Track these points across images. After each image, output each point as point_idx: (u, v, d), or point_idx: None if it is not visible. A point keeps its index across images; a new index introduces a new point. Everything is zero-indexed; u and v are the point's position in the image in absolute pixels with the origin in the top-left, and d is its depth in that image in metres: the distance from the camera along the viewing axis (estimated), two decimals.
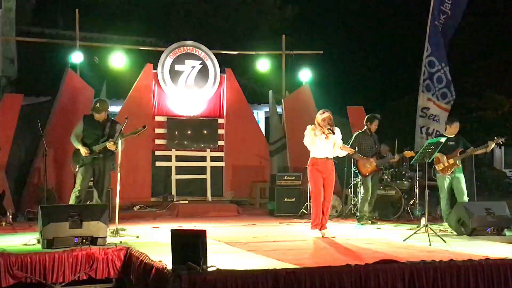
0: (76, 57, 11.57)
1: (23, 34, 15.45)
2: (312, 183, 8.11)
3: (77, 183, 8.14)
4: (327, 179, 8.09)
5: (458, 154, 9.14)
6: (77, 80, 11.43)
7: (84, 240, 6.59)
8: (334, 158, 8.20)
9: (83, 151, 8.02)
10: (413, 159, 8.42)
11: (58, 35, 16.54)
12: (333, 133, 7.98)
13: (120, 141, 7.92)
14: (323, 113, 8.01)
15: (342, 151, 8.11)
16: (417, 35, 13.68)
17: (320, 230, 8.10)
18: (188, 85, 12.29)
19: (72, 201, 8.05)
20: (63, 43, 13.33)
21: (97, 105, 8.19)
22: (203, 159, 12.47)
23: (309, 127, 8.08)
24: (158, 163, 12.12)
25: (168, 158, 12.21)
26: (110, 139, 8.07)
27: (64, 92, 11.26)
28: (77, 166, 8.17)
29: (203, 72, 12.41)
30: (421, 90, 12.15)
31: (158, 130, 12.16)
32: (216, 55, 12.70)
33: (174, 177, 12.14)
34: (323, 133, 7.94)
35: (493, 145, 9.10)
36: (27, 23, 18.05)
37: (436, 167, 9.19)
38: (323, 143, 7.97)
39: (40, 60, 15.23)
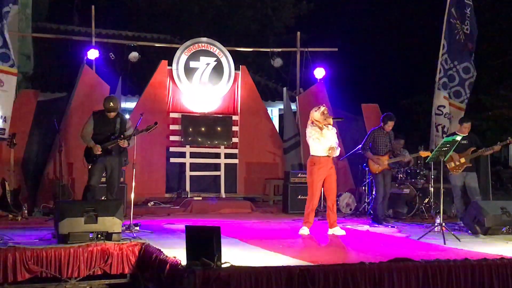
0: (92, 53, 11.62)
1: (39, 30, 15.55)
2: (310, 182, 8.11)
3: (90, 180, 8.18)
4: (329, 177, 8.08)
5: (470, 153, 9.10)
6: (92, 77, 11.48)
7: (99, 235, 6.62)
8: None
9: (96, 149, 8.05)
10: (428, 158, 8.39)
11: (74, 31, 16.63)
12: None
13: (133, 138, 7.99)
14: (319, 108, 8.08)
15: (339, 150, 8.11)
16: (434, 32, 13.58)
17: (330, 228, 8.12)
18: (202, 82, 12.31)
19: (84, 197, 8.10)
20: (79, 40, 13.39)
21: (111, 104, 8.16)
22: (217, 156, 12.49)
23: (310, 124, 8.09)
24: (172, 160, 12.15)
25: (182, 155, 12.24)
26: (121, 135, 8.10)
27: (80, 88, 11.32)
28: (89, 163, 8.21)
29: (218, 69, 12.42)
30: (437, 88, 12.02)
31: (172, 127, 12.20)
32: (230, 52, 12.70)
33: (188, 173, 12.16)
34: (329, 123, 7.95)
35: (499, 147, 9.09)
36: (43, 19, 18.17)
37: (447, 166, 9.15)
38: (331, 136, 7.98)
39: (56, 56, 15.32)
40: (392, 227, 9.18)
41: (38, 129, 10.96)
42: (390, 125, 9.70)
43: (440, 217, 7.80)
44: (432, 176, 10.31)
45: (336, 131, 8.19)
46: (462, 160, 9.11)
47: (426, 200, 10.71)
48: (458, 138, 8.15)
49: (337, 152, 8.08)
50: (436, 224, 7.93)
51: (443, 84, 11.95)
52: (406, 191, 10.63)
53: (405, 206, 10.64)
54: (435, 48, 12.32)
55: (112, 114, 8.22)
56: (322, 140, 7.96)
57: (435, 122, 12.03)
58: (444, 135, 11.38)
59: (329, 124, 8.00)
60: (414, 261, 5.60)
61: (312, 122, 8.06)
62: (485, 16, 20.90)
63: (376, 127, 9.85)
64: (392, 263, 5.51)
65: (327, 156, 8.00)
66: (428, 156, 9.32)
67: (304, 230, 8.06)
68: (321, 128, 7.98)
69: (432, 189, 10.41)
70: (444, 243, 7.16)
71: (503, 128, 20.01)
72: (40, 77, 14.77)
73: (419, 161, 11.00)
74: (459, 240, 7.40)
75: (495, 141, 9.40)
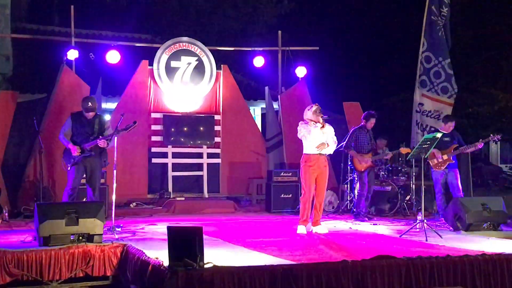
0: (72, 53, 11.52)
1: (18, 31, 15.39)
2: (303, 180, 8.14)
3: (70, 181, 8.12)
4: (320, 175, 8.11)
5: (452, 150, 9.18)
6: (72, 77, 11.38)
7: (81, 237, 6.57)
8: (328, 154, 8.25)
9: (74, 150, 7.99)
10: (409, 155, 8.45)
11: (54, 31, 16.48)
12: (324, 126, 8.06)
13: (113, 138, 7.93)
14: (311, 107, 8.13)
15: (332, 148, 8.14)
16: (414, 30, 13.68)
17: (313, 226, 8.13)
18: (184, 82, 12.26)
19: (65, 199, 8.04)
20: (59, 40, 13.27)
21: (89, 104, 8.14)
22: (200, 155, 12.45)
23: (301, 122, 8.13)
24: (154, 160, 12.09)
25: (164, 155, 12.18)
26: (100, 135, 8.06)
27: (60, 89, 11.22)
28: (69, 164, 8.15)
29: (199, 68, 12.38)
30: (416, 86, 12.16)
31: (154, 127, 12.13)
32: (212, 51, 12.66)
33: (170, 173, 12.11)
34: (318, 122, 7.98)
35: (482, 144, 9.20)
36: (22, 19, 17.99)
37: (430, 163, 9.23)
38: (319, 134, 8.00)
39: (35, 57, 15.17)
40: (374, 224, 9.23)
41: (18, 131, 10.87)
42: (372, 122, 9.83)
43: (421, 213, 7.84)
44: (414, 173, 10.38)
45: (332, 129, 8.21)
46: (445, 157, 9.18)
47: (408, 197, 10.79)
48: (439, 135, 8.21)
49: (328, 150, 8.11)
50: (418, 221, 7.97)
51: (422, 82, 12.08)
52: (388, 188, 10.70)
53: (387, 203, 10.71)
54: (416, 47, 12.41)
55: (91, 114, 8.17)
56: (309, 137, 8.01)
57: (415, 120, 12.15)
58: (425, 132, 11.49)
59: (319, 122, 8.02)
60: (396, 258, 5.62)
61: (304, 120, 8.11)
62: (465, 14, 21.11)
63: (357, 126, 9.94)
64: (375, 260, 5.53)
65: (319, 154, 8.03)
66: (408, 152, 9.43)
67: (302, 229, 8.06)
68: (310, 126, 8.01)
69: (413, 186, 10.48)
70: (426, 240, 7.21)
71: (484, 125, 20.22)
72: (19, 78, 14.61)
73: (400, 159, 11.07)
74: (440, 236, 7.45)
75: (476, 138, 9.51)
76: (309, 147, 8.07)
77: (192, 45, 12.42)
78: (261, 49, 13.62)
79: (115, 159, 7.84)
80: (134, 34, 17.94)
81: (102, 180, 9.48)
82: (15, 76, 14.85)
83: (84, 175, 8.23)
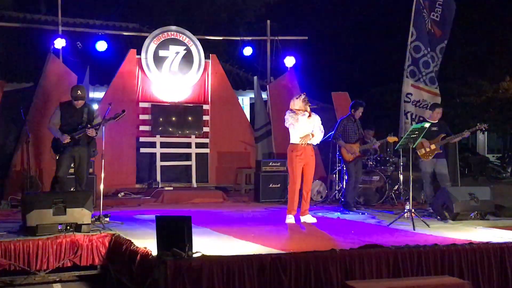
0: (59, 42, 11.42)
1: (4, 19, 15.25)
2: (290, 170, 8.14)
3: (57, 171, 8.07)
4: (307, 164, 8.12)
5: (440, 140, 9.22)
6: (59, 66, 11.29)
7: (68, 227, 6.54)
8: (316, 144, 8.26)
9: (64, 138, 7.94)
10: (397, 145, 8.48)
11: (40, 20, 16.33)
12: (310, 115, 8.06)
13: (101, 128, 7.89)
14: (298, 96, 8.13)
15: (318, 138, 8.15)
16: (404, 20, 13.66)
17: (301, 215, 8.15)
18: (172, 71, 12.20)
19: (52, 189, 7.99)
20: (45, 29, 13.15)
21: (79, 92, 8.08)
22: (188, 145, 12.42)
23: (288, 111, 8.12)
24: (142, 150, 12.04)
25: (152, 145, 12.14)
26: (88, 124, 8.01)
27: (47, 78, 11.13)
28: (57, 154, 8.10)
29: (188, 57, 12.32)
30: (405, 75, 12.18)
31: (142, 117, 12.07)
32: (200, 40, 12.60)
33: (158, 163, 12.08)
34: (306, 111, 7.97)
35: (468, 133, 9.26)
36: (8, 8, 17.82)
37: (418, 152, 9.26)
38: (306, 123, 8.00)
39: (22, 46, 15.05)
40: (362, 213, 9.27)
41: (4, 120, 10.78)
42: (360, 111, 9.84)
43: (409, 203, 7.88)
44: (401, 163, 10.43)
45: (319, 119, 8.21)
46: (433, 146, 9.22)
47: (396, 187, 10.84)
48: (427, 125, 8.24)
49: (314, 140, 8.11)
50: (405, 210, 8.01)
51: (411, 72, 12.09)
52: (376, 178, 10.74)
53: (375, 193, 10.75)
54: (406, 36, 12.41)
55: (80, 103, 8.11)
56: (297, 126, 8.00)
57: (404, 110, 12.18)
58: (414, 122, 11.52)
59: (306, 111, 8.02)
60: (384, 247, 5.64)
61: (291, 109, 8.09)
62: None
63: (345, 116, 9.95)
64: (363, 249, 5.55)
65: (305, 143, 8.03)
66: (395, 141, 9.47)
67: (290, 219, 8.06)
68: (297, 115, 8.00)
69: (401, 176, 10.53)
70: (414, 229, 7.24)
71: (471, 115, 20.36)
72: (6, 67, 14.50)
73: (388, 149, 11.11)
74: (428, 226, 7.49)
75: (464, 128, 9.57)
76: (296, 136, 8.07)
77: (180, 34, 12.35)
78: (250, 38, 13.58)
79: (103, 148, 7.81)
80: (122, 23, 17.83)
81: (90, 170, 9.45)
82: (1, 65, 14.71)
83: (72, 165, 8.18)
